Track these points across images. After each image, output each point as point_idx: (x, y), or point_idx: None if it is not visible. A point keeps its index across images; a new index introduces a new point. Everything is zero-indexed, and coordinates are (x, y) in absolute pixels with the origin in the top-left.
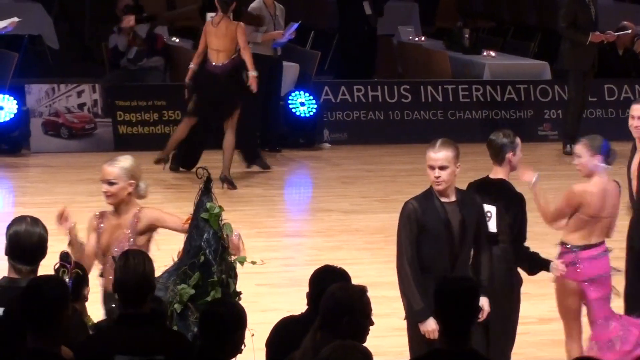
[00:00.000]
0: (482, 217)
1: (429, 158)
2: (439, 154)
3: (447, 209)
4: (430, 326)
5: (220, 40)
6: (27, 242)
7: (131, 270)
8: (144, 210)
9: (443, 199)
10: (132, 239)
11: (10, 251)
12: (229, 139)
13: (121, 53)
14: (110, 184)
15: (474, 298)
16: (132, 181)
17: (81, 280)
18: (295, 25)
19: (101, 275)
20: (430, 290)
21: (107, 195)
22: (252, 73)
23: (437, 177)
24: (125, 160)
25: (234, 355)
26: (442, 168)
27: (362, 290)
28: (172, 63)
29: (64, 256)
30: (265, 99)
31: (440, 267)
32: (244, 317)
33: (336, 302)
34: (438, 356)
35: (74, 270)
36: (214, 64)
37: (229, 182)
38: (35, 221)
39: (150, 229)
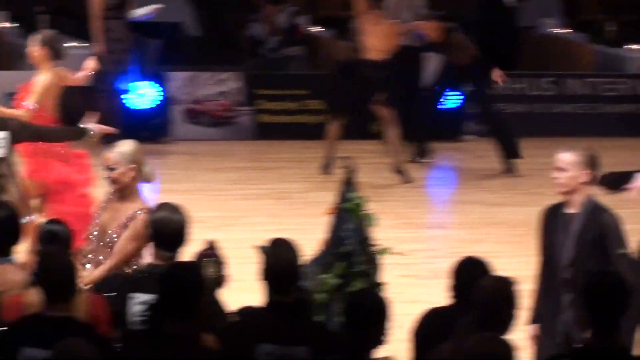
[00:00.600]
0: (608, 238)
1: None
2: (561, 155)
3: (565, 219)
4: (529, 333)
5: (373, 37)
6: (167, 229)
7: (281, 258)
8: (144, 216)
9: (567, 209)
10: (122, 231)
11: (153, 238)
12: (391, 131)
13: (261, 42)
14: (111, 169)
15: (623, 292)
16: (133, 165)
17: (224, 269)
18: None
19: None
20: (556, 296)
21: (110, 181)
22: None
23: (554, 178)
24: (124, 145)
25: (377, 346)
26: (560, 169)
27: (513, 282)
28: (313, 52)
29: (210, 245)
30: (407, 89)
31: (558, 278)
32: (388, 308)
33: (495, 295)
34: (585, 354)
35: (219, 259)
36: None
37: (400, 173)
38: (176, 208)
39: None
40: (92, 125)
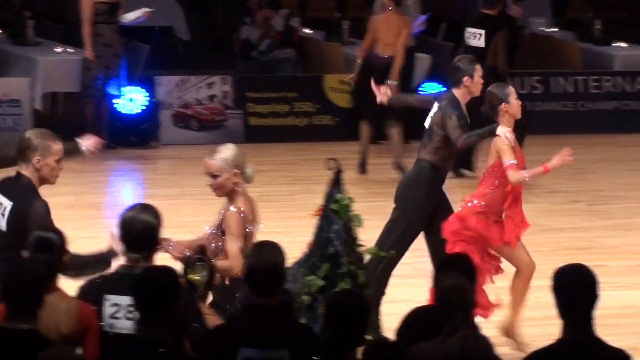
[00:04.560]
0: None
1: None
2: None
3: None
4: None
5: (385, 32)
6: (132, 229)
7: (263, 260)
8: (235, 213)
9: None
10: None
11: (121, 238)
12: (395, 129)
13: (253, 45)
14: (214, 176)
15: (589, 285)
16: (236, 170)
17: (214, 273)
18: (424, 16)
19: None
20: None
21: (213, 188)
22: (392, 83)
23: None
24: (226, 151)
25: (359, 346)
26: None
27: (468, 283)
28: (303, 54)
29: (202, 250)
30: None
31: None
32: (368, 307)
33: (448, 297)
34: (562, 346)
35: (211, 263)
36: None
37: (400, 169)
38: (145, 208)
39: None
40: (84, 141)
